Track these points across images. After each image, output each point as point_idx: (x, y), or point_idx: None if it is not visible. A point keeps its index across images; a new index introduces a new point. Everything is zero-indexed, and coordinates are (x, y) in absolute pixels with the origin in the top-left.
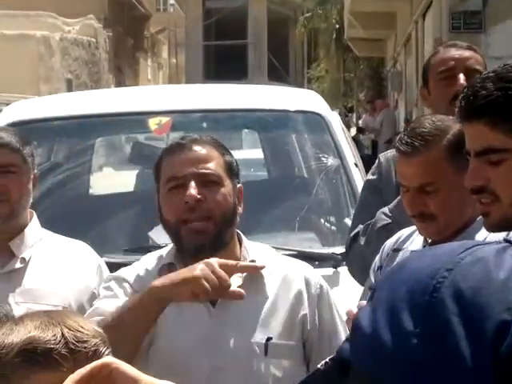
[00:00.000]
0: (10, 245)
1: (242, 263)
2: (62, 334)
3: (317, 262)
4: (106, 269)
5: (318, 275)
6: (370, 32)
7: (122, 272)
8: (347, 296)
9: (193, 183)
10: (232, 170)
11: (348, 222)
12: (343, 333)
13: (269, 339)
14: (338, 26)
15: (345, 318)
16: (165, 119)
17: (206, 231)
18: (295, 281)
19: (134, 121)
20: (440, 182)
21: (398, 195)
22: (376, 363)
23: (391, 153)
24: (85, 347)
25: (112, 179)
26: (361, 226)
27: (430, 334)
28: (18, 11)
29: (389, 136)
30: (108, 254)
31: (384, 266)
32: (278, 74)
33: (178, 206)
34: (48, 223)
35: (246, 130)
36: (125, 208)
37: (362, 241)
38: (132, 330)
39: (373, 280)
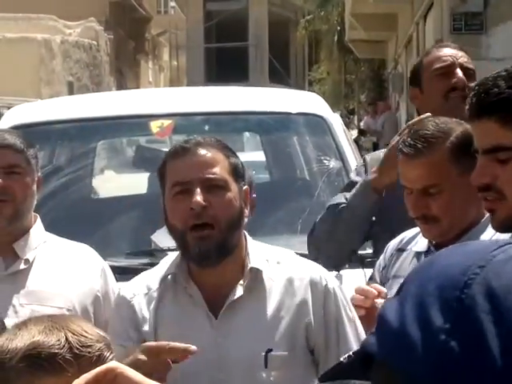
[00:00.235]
0: (14, 246)
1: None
2: (66, 339)
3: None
4: (109, 272)
5: (324, 275)
6: (371, 34)
7: (125, 292)
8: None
9: (198, 189)
10: (237, 172)
11: None
12: (352, 335)
13: (269, 351)
14: (339, 27)
15: (355, 317)
16: (167, 122)
17: (212, 237)
18: (300, 286)
19: (136, 124)
20: (443, 184)
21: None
22: (404, 359)
23: (379, 153)
24: (89, 352)
25: (115, 182)
26: None
27: (460, 330)
28: (19, 14)
29: (390, 138)
30: (110, 257)
31: (388, 266)
32: (279, 76)
33: (183, 213)
34: (50, 226)
35: (247, 133)
36: (127, 211)
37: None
38: None
39: (378, 279)
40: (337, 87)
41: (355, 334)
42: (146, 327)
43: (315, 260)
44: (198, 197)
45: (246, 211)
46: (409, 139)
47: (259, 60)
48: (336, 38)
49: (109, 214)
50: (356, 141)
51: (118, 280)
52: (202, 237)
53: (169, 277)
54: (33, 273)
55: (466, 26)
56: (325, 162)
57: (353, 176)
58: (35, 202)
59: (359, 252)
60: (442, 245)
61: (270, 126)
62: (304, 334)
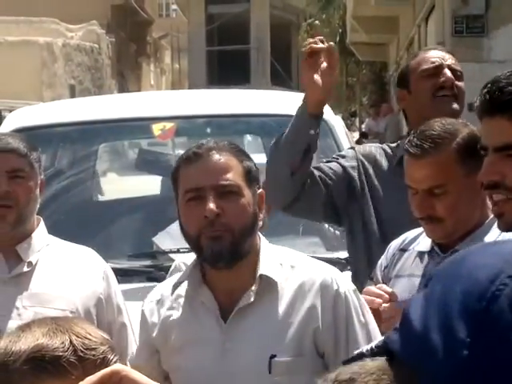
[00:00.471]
0: (18, 249)
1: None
2: (71, 342)
3: None
4: (112, 274)
5: (337, 279)
6: (372, 36)
7: (146, 307)
8: None
9: (211, 196)
10: (251, 176)
11: None
12: (363, 340)
13: (272, 356)
14: (340, 30)
15: (368, 321)
16: (169, 125)
17: (225, 239)
18: (310, 290)
19: (138, 126)
20: (449, 185)
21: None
22: (426, 366)
23: (367, 146)
24: (93, 355)
25: (117, 184)
26: None
27: (482, 347)
28: (20, 17)
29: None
30: (112, 259)
31: (390, 266)
32: (281, 78)
33: (197, 220)
34: (52, 229)
35: (248, 136)
36: (129, 214)
37: None
38: None
39: (379, 279)
40: (338, 89)
41: (367, 339)
42: (155, 333)
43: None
44: (211, 204)
45: (261, 215)
46: (415, 139)
47: (261, 63)
48: (338, 40)
49: (111, 217)
50: (358, 143)
51: (119, 282)
52: (215, 237)
53: (182, 281)
54: (36, 275)
55: (467, 29)
56: None
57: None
58: (38, 206)
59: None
60: (445, 245)
61: (272, 129)
62: (312, 339)
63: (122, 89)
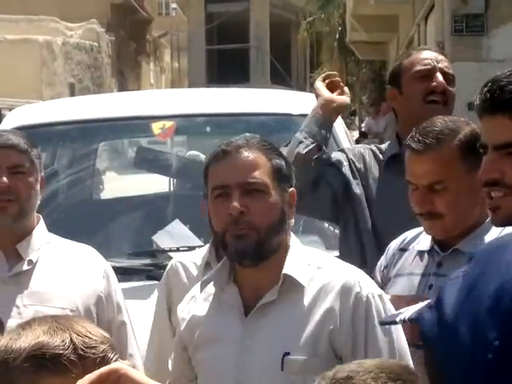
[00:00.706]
0: (18, 247)
1: None
2: (71, 340)
3: None
4: (112, 273)
5: (361, 282)
6: (372, 35)
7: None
8: None
9: (236, 194)
10: (281, 174)
11: None
12: (384, 345)
13: (286, 354)
14: (340, 29)
15: (392, 327)
16: (168, 123)
17: (249, 237)
18: (331, 292)
19: (138, 125)
20: (449, 181)
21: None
22: (451, 361)
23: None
24: (93, 353)
25: (116, 183)
26: None
27: (508, 352)
28: (20, 16)
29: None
30: (112, 258)
31: (389, 266)
32: (281, 77)
33: (222, 217)
34: (52, 228)
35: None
36: (129, 212)
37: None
38: None
39: (379, 279)
40: None
41: (389, 345)
42: (183, 330)
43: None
44: (236, 202)
45: (291, 215)
46: (417, 135)
47: (260, 62)
48: (337, 39)
49: (110, 215)
50: (357, 142)
51: (119, 280)
52: (239, 235)
53: (211, 278)
54: (36, 274)
55: (467, 28)
56: None
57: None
58: (38, 202)
59: None
60: (444, 243)
61: (272, 128)
62: (327, 340)
63: (122, 87)
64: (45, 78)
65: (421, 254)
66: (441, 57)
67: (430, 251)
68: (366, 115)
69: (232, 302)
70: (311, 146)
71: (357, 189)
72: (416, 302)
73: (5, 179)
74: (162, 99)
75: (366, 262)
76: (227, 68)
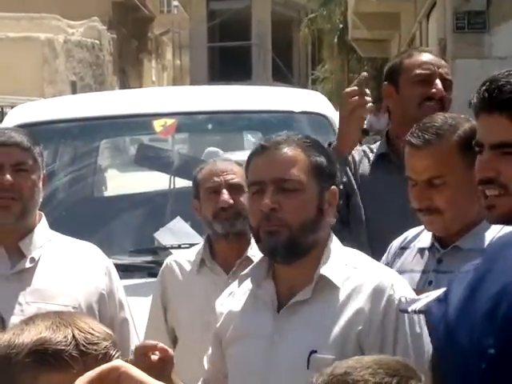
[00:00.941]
0: (20, 245)
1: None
2: (73, 336)
3: None
4: (114, 270)
5: (394, 285)
6: (374, 33)
7: None
8: None
9: (270, 190)
10: (321, 172)
11: None
12: (414, 351)
13: (312, 352)
14: (341, 26)
15: (423, 333)
16: (170, 121)
17: (281, 234)
18: (364, 293)
19: (139, 123)
20: (448, 176)
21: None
22: (449, 358)
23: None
24: (95, 349)
25: (118, 180)
26: None
27: (503, 363)
28: (22, 14)
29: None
30: (114, 255)
31: (391, 264)
32: (283, 75)
33: (256, 213)
34: (53, 225)
35: (249, 132)
36: (130, 209)
37: None
38: None
39: None
40: (340, 86)
41: (419, 351)
42: (219, 324)
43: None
44: (267, 198)
45: (331, 213)
46: (417, 131)
47: (262, 59)
48: (339, 36)
49: (112, 213)
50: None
51: (120, 278)
52: (271, 232)
53: (249, 273)
54: (38, 271)
55: (468, 25)
56: None
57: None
58: (41, 200)
59: None
60: (445, 240)
61: (273, 125)
62: (356, 341)
63: (124, 85)
64: (46, 75)
65: (421, 251)
66: (441, 62)
67: (431, 248)
68: None
69: (267, 298)
70: None
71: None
72: None
73: (8, 177)
74: (163, 97)
75: None
76: (229, 65)
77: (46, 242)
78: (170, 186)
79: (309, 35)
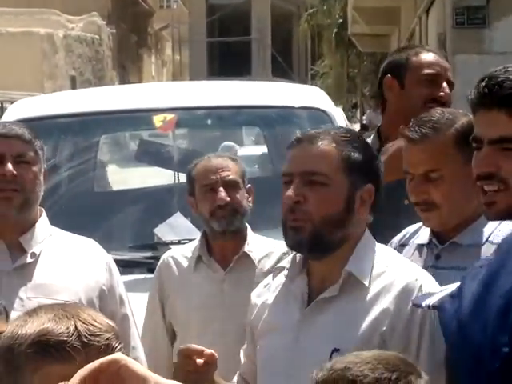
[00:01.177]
0: (21, 240)
1: None
2: (76, 327)
3: None
4: (114, 266)
5: (424, 285)
6: (373, 28)
7: None
8: None
9: (296, 182)
10: (354, 167)
11: None
12: (435, 357)
13: (335, 350)
14: (341, 21)
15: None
16: (169, 116)
17: (304, 230)
18: (391, 293)
19: (139, 118)
20: (445, 170)
21: None
22: (460, 358)
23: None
24: (97, 341)
25: (117, 176)
26: None
27: None
28: (21, 9)
29: None
30: (114, 250)
31: None
32: (282, 70)
33: (283, 204)
34: (54, 220)
35: (248, 127)
36: (130, 205)
37: None
38: None
39: None
40: (339, 81)
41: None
42: (253, 316)
43: None
44: (290, 191)
45: (361, 211)
46: (414, 125)
47: (262, 54)
48: (338, 31)
49: (112, 208)
50: None
51: (120, 273)
52: (295, 227)
53: (284, 266)
54: (39, 266)
55: (468, 20)
56: None
57: None
58: (42, 193)
59: None
60: (443, 235)
61: (273, 120)
62: (379, 340)
63: (123, 80)
64: (46, 70)
65: (420, 247)
66: (446, 63)
67: (429, 244)
68: (367, 108)
69: (297, 292)
70: None
71: None
72: None
73: (10, 167)
74: (163, 92)
75: None
76: (228, 61)
77: (47, 238)
78: (173, 181)
79: (308, 30)
